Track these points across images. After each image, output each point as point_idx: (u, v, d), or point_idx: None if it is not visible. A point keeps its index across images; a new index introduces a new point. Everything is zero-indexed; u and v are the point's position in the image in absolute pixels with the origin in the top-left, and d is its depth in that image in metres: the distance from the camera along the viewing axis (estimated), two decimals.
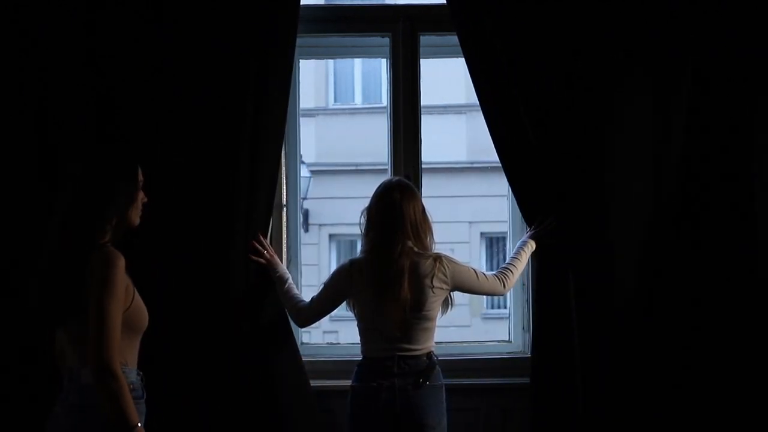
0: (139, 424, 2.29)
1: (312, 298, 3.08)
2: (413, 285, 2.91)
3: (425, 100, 3.64)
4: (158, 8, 3.17)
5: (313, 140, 10.98)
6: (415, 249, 2.95)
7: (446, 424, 2.98)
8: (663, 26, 3.28)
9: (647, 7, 3.28)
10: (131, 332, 2.42)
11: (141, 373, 2.47)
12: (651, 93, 3.29)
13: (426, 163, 3.70)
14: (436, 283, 2.94)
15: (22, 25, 3.15)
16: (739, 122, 3.30)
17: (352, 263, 3.01)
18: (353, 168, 10.63)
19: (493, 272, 3.20)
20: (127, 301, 2.37)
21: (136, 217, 2.50)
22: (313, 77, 11.04)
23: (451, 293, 3.05)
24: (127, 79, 3.16)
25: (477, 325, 10.77)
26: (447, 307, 3.06)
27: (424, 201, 3.40)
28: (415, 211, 2.97)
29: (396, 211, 2.94)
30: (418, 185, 3.49)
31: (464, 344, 3.83)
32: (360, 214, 3.05)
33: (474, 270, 3.09)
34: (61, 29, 3.15)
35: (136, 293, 2.44)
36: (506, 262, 3.27)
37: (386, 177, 3.37)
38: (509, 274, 3.18)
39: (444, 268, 2.97)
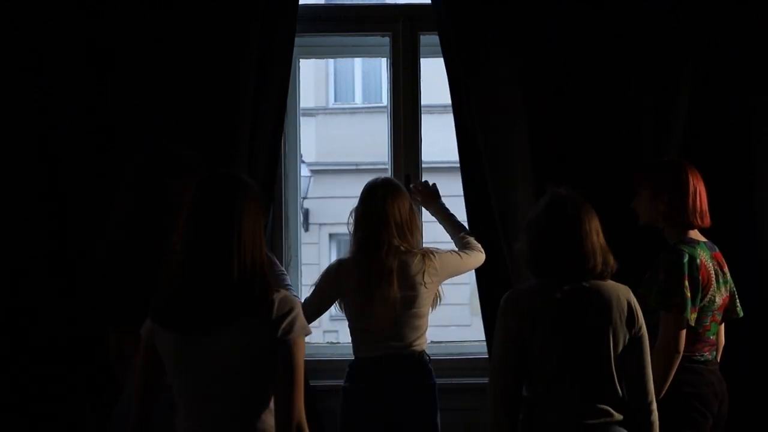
0: None
1: (304, 300, 3.06)
2: (403, 284, 2.90)
3: (425, 99, 3.65)
4: (157, 6, 3.17)
5: (313, 140, 10.97)
6: (402, 248, 2.93)
7: (439, 423, 2.98)
8: (660, 26, 3.29)
9: (649, 7, 3.29)
10: None
11: None
12: (651, 93, 3.30)
13: (426, 163, 3.70)
14: (427, 279, 2.93)
15: (19, 13, 3.16)
16: (737, 122, 3.31)
17: (340, 264, 2.99)
18: (353, 167, 10.63)
19: (464, 249, 3.15)
20: None
21: None
22: (313, 77, 11.03)
23: (439, 291, 3.05)
24: (124, 77, 3.15)
25: (477, 324, 10.76)
26: (435, 303, 3.06)
27: None
28: (400, 210, 2.95)
29: (380, 211, 2.93)
30: None
31: (464, 343, 3.84)
32: (348, 215, 3.03)
33: (456, 252, 3.11)
34: (61, 29, 3.15)
35: None
36: (458, 235, 3.23)
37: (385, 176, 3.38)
38: (472, 240, 3.19)
39: (433, 261, 2.96)
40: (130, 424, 2.10)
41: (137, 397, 2.10)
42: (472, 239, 3.20)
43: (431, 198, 3.33)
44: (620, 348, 2.41)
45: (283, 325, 1.99)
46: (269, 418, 2.02)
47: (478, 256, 3.16)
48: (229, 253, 1.98)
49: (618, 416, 2.41)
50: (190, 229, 2.03)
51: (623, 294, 2.44)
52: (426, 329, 3.01)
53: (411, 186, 3.40)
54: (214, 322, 1.99)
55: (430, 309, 3.04)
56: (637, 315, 2.44)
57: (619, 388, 2.42)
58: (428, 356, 3.03)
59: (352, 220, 3.02)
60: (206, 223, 2.01)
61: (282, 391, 1.98)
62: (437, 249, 3.05)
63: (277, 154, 3.31)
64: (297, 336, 2.00)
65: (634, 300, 2.46)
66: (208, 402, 2.02)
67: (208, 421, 2.02)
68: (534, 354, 2.39)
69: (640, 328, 2.44)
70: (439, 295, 3.06)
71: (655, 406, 2.46)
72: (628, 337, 2.42)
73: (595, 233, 2.42)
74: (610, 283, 2.45)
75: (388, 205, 2.93)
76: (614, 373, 2.41)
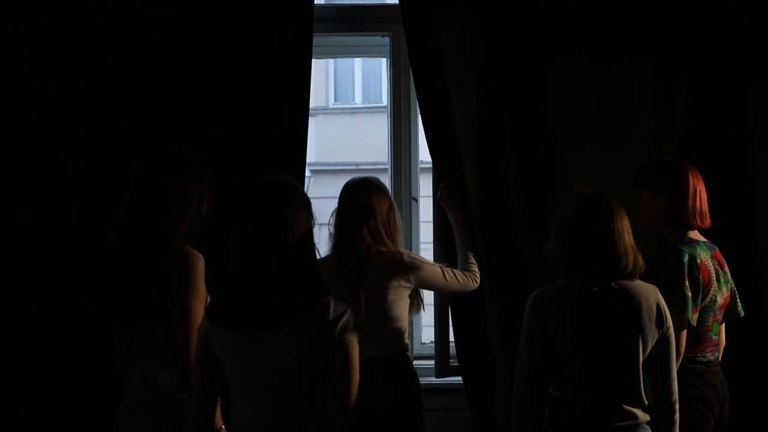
0: (223, 427, 2.27)
1: None
2: (372, 286, 2.81)
3: None
4: (170, 7, 3.16)
5: (313, 140, 10.92)
6: (376, 249, 2.84)
7: (423, 425, 2.90)
8: (659, 25, 3.30)
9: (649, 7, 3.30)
10: None
11: None
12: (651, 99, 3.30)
13: (425, 163, 3.69)
14: (394, 282, 2.84)
15: (19, 13, 3.15)
16: (737, 121, 3.31)
17: None
18: (353, 168, 10.60)
19: (460, 270, 3.05)
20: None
21: (201, 220, 2.45)
22: (313, 77, 10.99)
23: (421, 295, 2.98)
24: (134, 78, 3.15)
25: None
26: (416, 309, 2.98)
27: (423, 200, 3.36)
28: (377, 210, 2.87)
29: (356, 212, 2.87)
30: (417, 185, 3.50)
31: None
32: (330, 215, 2.98)
33: (441, 268, 2.98)
34: (61, 29, 3.15)
35: (208, 295, 2.38)
36: (464, 255, 3.11)
37: (387, 177, 3.37)
38: (475, 268, 3.08)
39: (404, 266, 2.86)
40: (194, 422, 2.16)
41: (197, 396, 2.17)
42: (474, 266, 3.09)
43: (455, 207, 3.19)
44: (648, 349, 2.38)
45: (340, 326, 2.07)
46: (323, 412, 2.10)
47: (469, 284, 3.03)
48: (285, 255, 2.05)
49: (644, 417, 2.38)
50: (243, 231, 2.09)
51: (652, 294, 2.41)
52: (404, 332, 2.89)
53: (440, 185, 3.26)
54: (271, 323, 2.06)
55: (410, 313, 2.96)
56: (666, 315, 2.41)
57: (644, 389, 2.39)
58: (409, 359, 2.96)
59: (332, 221, 2.97)
60: (261, 226, 2.07)
61: (340, 386, 2.08)
62: (417, 256, 2.98)
63: (303, 154, 3.27)
64: (352, 335, 2.10)
65: (663, 300, 2.43)
66: (265, 397, 2.10)
67: (265, 415, 2.10)
68: (560, 354, 2.36)
69: (668, 329, 2.41)
70: (420, 302, 2.98)
71: (678, 405, 2.44)
72: (656, 338, 2.39)
73: (627, 233, 2.39)
74: (639, 284, 2.42)
75: (365, 206, 2.86)
76: (641, 375, 2.38)
